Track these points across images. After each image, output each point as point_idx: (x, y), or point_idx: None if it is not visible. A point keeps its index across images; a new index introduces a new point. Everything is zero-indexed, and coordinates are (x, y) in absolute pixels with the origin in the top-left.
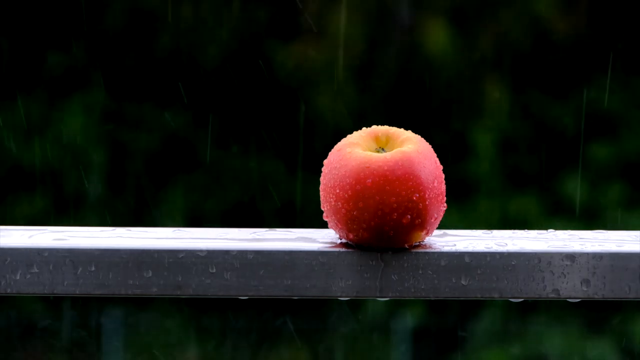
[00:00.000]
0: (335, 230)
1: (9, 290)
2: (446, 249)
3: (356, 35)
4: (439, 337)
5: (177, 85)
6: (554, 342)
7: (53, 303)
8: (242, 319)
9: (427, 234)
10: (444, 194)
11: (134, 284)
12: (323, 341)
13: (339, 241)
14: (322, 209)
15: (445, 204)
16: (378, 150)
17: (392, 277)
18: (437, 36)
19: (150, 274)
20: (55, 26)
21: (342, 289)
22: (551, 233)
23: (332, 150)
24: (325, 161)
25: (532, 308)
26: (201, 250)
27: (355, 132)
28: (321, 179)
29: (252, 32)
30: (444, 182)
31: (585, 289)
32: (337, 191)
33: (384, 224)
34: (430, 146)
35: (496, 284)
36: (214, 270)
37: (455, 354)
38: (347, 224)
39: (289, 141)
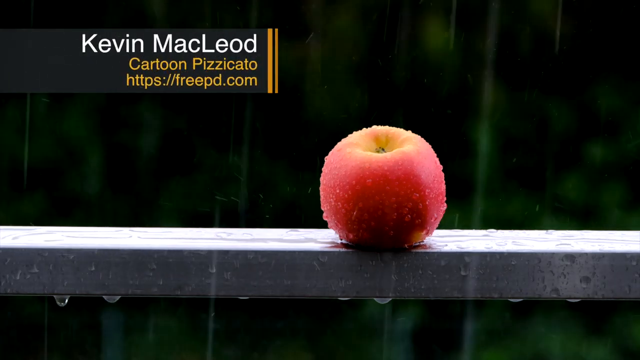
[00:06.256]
0: (335, 230)
1: (9, 290)
2: (446, 249)
3: (356, 34)
4: (438, 337)
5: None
6: (553, 342)
7: (53, 303)
8: (242, 319)
9: (427, 234)
10: (444, 194)
11: (134, 284)
12: (323, 341)
13: (339, 241)
14: (322, 209)
15: (445, 204)
16: (378, 150)
17: (392, 277)
18: (437, 36)
19: (150, 274)
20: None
21: (342, 289)
22: (551, 233)
23: (332, 150)
24: (325, 161)
25: (532, 308)
26: (201, 250)
27: (355, 132)
28: (321, 179)
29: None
30: (444, 182)
31: (585, 289)
32: (337, 191)
33: (384, 224)
34: (430, 146)
35: (496, 284)
36: (214, 270)
37: (455, 354)
38: (347, 224)
39: (288, 141)
